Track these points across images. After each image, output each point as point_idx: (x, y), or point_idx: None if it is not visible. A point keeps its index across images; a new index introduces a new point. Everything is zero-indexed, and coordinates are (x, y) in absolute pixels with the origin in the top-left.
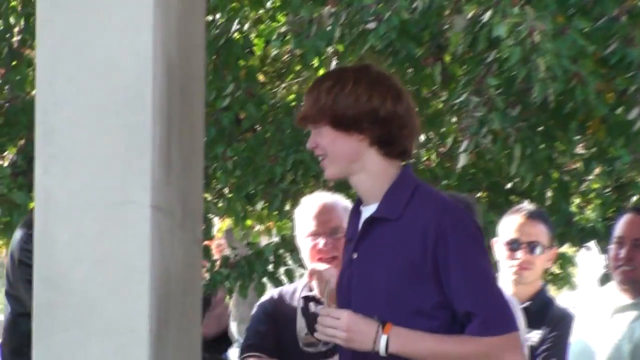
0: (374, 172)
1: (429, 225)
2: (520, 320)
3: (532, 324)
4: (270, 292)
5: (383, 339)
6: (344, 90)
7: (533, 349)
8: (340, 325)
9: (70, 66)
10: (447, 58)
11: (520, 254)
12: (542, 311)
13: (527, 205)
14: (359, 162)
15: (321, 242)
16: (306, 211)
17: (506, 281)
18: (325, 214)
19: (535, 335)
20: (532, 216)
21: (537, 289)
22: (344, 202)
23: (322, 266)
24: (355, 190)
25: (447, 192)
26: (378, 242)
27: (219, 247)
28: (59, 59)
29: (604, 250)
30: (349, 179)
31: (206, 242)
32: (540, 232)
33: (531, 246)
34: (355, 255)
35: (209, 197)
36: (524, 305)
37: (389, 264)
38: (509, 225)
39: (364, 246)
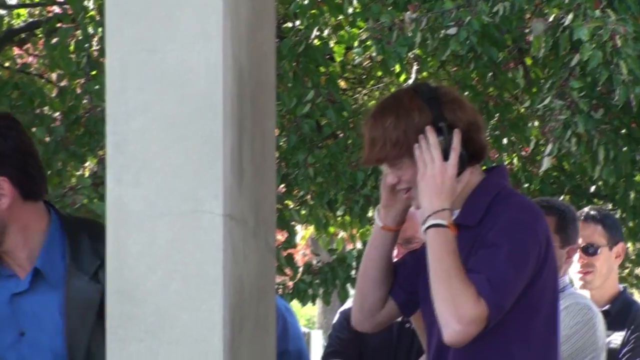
0: (461, 187)
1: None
2: (600, 323)
3: (613, 327)
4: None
5: (430, 221)
6: (411, 120)
7: (615, 352)
8: (430, 168)
9: (140, 75)
10: (529, 61)
11: (576, 258)
12: (622, 313)
13: (585, 210)
14: None
15: (394, 251)
16: None
17: (581, 289)
18: None
19: (617, 338)
20: (584, 219)
21: (616, 292)
22: None
23: None
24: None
25: (544, 198)
26: (459, 248)
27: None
28: (129, 69)
29: None
30: None
31: (290, 250)
32: (593, 232)
33: (585, 248)
34: None
35: (291, 204)
36: (604, 308)
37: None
38: None
39: None
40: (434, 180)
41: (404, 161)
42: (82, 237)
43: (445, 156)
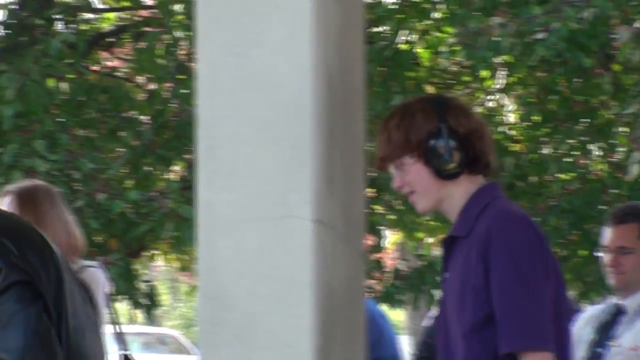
0: (459, 194)
1: (482, 234)
2: None
3: None
4: None
5: None
6: (414, 121)
7: None
8: None
9: (231, 80)
10: (617, 67)
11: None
12: None
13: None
14: (446, 187)
15: None
16: None
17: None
18: None
19: None
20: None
21: None
22: None
23: None
24: (445, 215)
25: (628, 204)
26: (455, 260)
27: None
28: (219, 74)
29: None
30: (440, 207)
31: (379, 255)
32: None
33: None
34: (447, 275)
35: (379, 209)
36: None
37: (457, 281)
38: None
39: (448, 265)
40: None
41: (405, 162)
42: None
43: (444, 157)
